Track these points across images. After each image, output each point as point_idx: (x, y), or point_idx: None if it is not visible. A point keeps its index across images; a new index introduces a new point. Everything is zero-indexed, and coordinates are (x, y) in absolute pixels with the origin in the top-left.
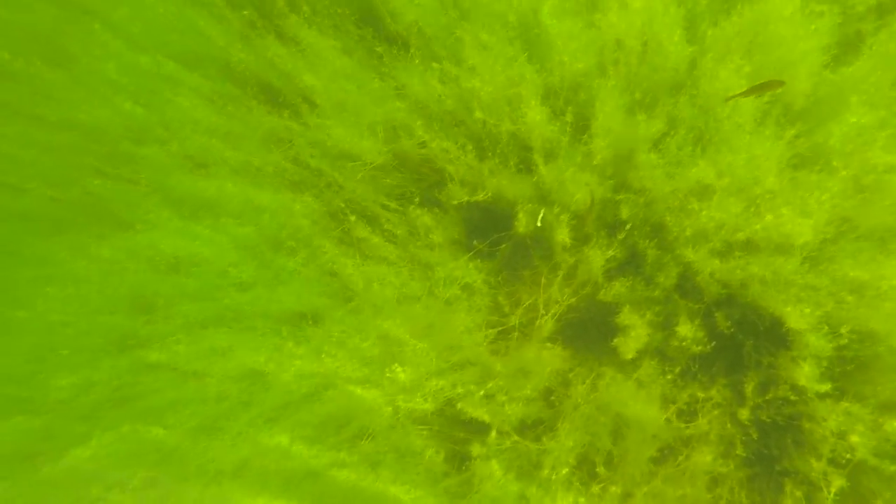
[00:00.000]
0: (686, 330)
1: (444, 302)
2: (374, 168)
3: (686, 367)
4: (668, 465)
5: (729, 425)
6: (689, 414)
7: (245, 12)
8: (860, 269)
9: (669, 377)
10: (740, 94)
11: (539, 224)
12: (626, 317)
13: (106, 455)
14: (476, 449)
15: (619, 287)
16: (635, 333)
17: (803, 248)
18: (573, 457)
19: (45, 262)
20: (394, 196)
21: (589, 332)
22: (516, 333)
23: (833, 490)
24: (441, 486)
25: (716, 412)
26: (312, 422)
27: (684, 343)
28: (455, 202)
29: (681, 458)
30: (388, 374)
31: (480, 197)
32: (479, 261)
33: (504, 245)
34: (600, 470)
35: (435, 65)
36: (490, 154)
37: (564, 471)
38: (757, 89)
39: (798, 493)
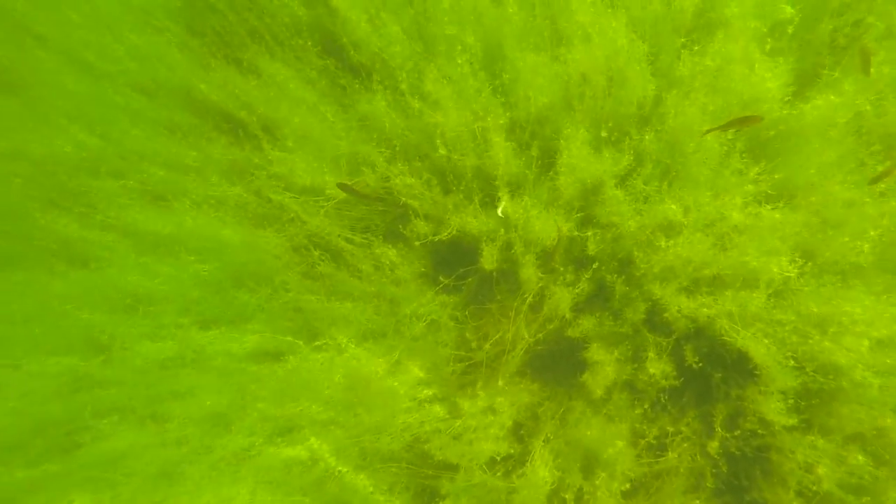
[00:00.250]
0: (654, 366)
1: (410, 338)
2: (337, 202)
3: (656, 400)
4: (639, 499)
5: (699, 457)
6: (658, 448)
7: (205, 40)
8: (823, 304)
9: (639, 411)
10: (718, 128)
11: (500, 214)
12: (595, 352)
13: None
14: (445, 486)
15: (586, 323)
16: (603, 371)
17: (769, 284)
18: (544, 493)
19: None
20: (358, 229)
21: (558, 365)
22: (484, 368)
23: None
24: None
25: (685, 445)
26: (276, 465)
27: (653, 378)
28: (417, 243)
29: (651, 491)
30: (353, 416)
31: (444, 235)
32: (445, 295)
33: (470, 279)
34: None
35: (398, 97)
36: (454, 188)
37: None
38: (735, 123)
39: None
